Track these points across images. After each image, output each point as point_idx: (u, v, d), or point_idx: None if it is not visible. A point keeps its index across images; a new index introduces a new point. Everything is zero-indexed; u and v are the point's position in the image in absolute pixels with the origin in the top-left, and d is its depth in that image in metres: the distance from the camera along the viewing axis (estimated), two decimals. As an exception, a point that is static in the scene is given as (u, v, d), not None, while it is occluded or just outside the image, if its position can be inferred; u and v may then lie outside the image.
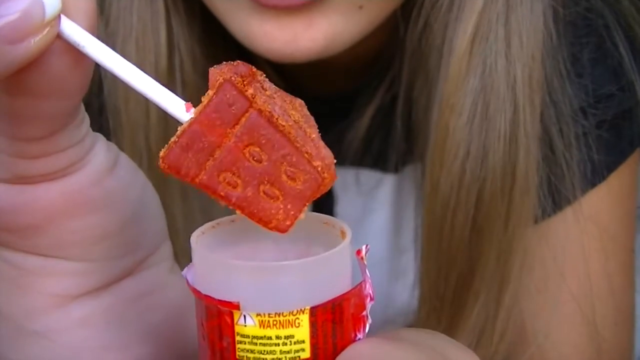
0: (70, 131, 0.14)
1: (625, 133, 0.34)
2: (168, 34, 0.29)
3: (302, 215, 0.12)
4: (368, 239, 0.34)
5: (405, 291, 0.34)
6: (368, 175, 0.36)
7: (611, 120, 0.34)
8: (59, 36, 0.12)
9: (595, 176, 0.34)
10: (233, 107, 0.11)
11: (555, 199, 0.33)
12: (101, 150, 0.15)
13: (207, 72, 0.23)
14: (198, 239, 0.13)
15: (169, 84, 0.28)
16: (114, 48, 0.22)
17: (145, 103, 0.21)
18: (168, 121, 0.28)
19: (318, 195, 0.12)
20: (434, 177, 0.30)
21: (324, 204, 0.35)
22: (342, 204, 0.35)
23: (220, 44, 0.31)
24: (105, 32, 0.30)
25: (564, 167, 0.33)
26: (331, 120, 0.27)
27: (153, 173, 0.20)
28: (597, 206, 0.34)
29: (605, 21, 0.33)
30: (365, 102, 0.33)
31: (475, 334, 0.19)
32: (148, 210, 0.17)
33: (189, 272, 0.13)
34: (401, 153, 0.35)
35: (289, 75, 0.31)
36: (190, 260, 0.13)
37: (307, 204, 0.12)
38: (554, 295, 0.34)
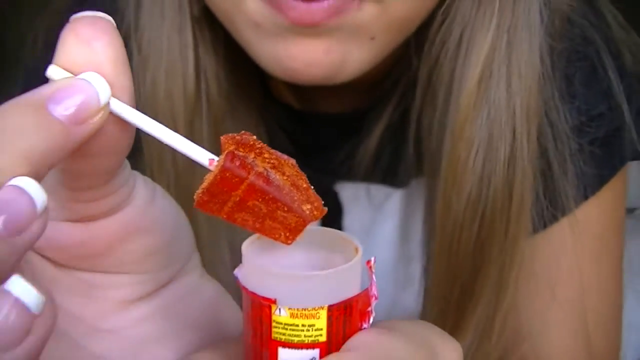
0: (118, 176, 0.18)
1: (615, 150, 0.37)
2: (195, 61, 0.32)
3: (299, 237, 0.17)
4: (376, 247, 0.38)
5: (410, 297, 0.38)
6: (378, 190, 0.39)
7: (602, 138, 0.37)
8: (110, 112, 0.16)
9: (588, 189, 0.37)
10: (236, 174, 0.16)
11: (552, 211, 0.36)
12: (141, 186, 0.19)
13: (230, 94, 0.25)
14: (248, 247, 0.17)
15: (196, 106, 0.32)
16: (145, 72, 0.25)
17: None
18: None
19: (307, 225, 0.17)
20: (447, 199, 0.33)
21: (333, 216, 0.38)
22: (352, 215, 0.38)
23: (242, 68, 0.35)
24: (138, 56, 0.33)
25: (560, 181, 0.36)
26: (343, 137, 0.30)
27: (179, 192, 0.23)
28: (590, 216, 0.38)
29: (597, 48, 0.36)
30: (374, 121, 0.36)
31: (477, 333, 0.22)
32: (181, 229, 0.21)
33: (239, 273, 0.17)
34: (409, 169, 0.38)
35: (304, 96, 0.34)
36: (224, 267, 0.19)
37: (299, 233, 0.17)
38: (548, 299, 0.38)
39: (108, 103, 0.16)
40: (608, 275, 0.41)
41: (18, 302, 0.13)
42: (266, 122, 0.35)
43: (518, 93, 0.33)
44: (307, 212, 0.16)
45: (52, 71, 0.16)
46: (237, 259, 0.20)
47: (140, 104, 0.26)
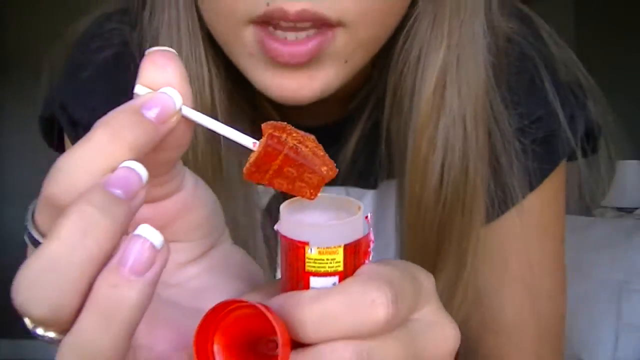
0: (176, 167, 0.24)
1: (553, 148, 0.44)
2: (209, 77, 0.40)
3: (319, 194, 0.23)
4: None
5: None
6: (354, 192, 0.45)
7: (542, 138, 0.44)
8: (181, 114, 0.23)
9: (532, 182, 0.44)
10: (276, 148, 0.22)
11: (502, 201, 0.43)
12: (188, 175, 0.25)
13: (234, 100, 0.37)
14: (284, 209, 0.23)
15: (212, 108, 0.39)
16: None
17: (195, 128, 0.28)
18: (212, 140, 0.38)
19: (326, 182, 0.22)
20: (413, 190, 0.40)
21: None
22: None
23: (238, 86, 0.41)
24: None
25: (508, 176, 0.43)
26: (323, 147, 0.33)
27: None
28: (534, 205, 0.44)
29: (534, 63, 0.43)
30: (350, 131, 0.43)
31: (442, 300, 0.25)
32: (216, 208, 0.27)
33: (279, 227, 0.23)
34: (381, 172, 0.45)
35: (285, 112, 0.40)
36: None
37: (320, 188, 0.22)
38: (502, 276, 0.46)
39: (180, 108, 0.22)
40: (551, 255, 0.47)
41: (147, 241, 0.19)
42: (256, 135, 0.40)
43: (468, 100, 0.39)
44: (325, 172, 0.22)
45: (138, 89, 0.22)
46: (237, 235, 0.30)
47: None
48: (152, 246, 0.19)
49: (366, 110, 0.42)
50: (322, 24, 0.34)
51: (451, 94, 0.39)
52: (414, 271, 0.24)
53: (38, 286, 0.19)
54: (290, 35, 0.34)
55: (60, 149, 0.48)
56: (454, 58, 0.39)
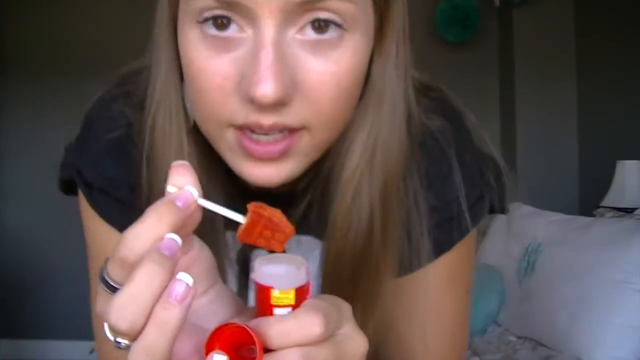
0: (190, 235, 0.37)
1: (457, 225, 0.54)
2: (195, 157, 0.49)
3: (283, 248, 0.36)
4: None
5: None
6: (306, 239, 0.55)
7: (449, 218, 0.54)
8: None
9: (438, 251, 0.54)
10: (257, 220, 0.35)
11: (415, 262, 0.53)
12: (196, 239, 0.38)
13: (212, 172, 0.50)
14: (256, 263, 0.34)
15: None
16: (156, 158, 0.49)
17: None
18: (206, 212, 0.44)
19: (287, 240, 0.36)
20: (330, 249, 0.50)
21: None
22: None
23: (216, 161, 0.49)
24: (150, 150, 0.50)
25: (420, 243, 0.53)
26: (282, 207, 0.42)
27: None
28: (442, 267, 0.55)
29: (449, 158, 0.53)
30: (301, 197, 0.53)
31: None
32: (213, 259, 0.39)
33: (252, 275, 0.34)
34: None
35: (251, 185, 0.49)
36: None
37: (285, 243, 0.36)
38: (411, 315, 0.56)
39: (196, 199, 0.36)
40: (455, 302, 0.58)
41: (183, 282, 0.32)
42: (229, 195, 0.51)
43: (378, 181, 0.48)
44: (288, 232, 0.36)
45: (169, 188, 0.35)
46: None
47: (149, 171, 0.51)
48: (187, 285, 0.32)
49: (311, 185, 0.52)
50: (289, 130, 0.43)
51: (366, 175, 0.48)
52: (338, 302, 0.36)
53: (123, 312, 0.31)
54: (263, 138, 0.43)
55: (73, 195, 0.60)
56: (371, 149, 0.48)
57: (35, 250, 3.24)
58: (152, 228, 0.33)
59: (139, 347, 0.31)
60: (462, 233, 0.54)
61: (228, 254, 0.54)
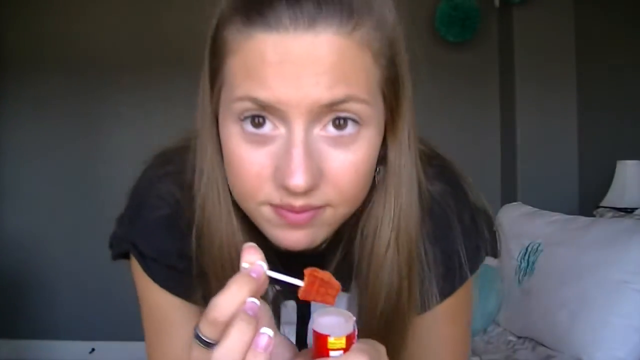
0: None
1: (459, 275, 0.64)
2: (237, 225, 0.58)
3: (334, 301, 0.47)
4: None
5: None
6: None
7: (451, 268, 0.64)
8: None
9: (443, 296, 0.64)
10: (313, 281, 0.46)
11: (423, 307, 0.63)
12: (261, 301, 0.47)
13: (252, 239, 0.54)
14: (316, 315, 0.46)
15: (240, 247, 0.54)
16: (210, 237, 0.58)
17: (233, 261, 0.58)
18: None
19: (337, 294, 0.47)
20: (371, 296, 0.59)
21: (307, 314, 0.71)
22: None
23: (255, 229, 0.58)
24: (206, 229, 0.58)
25: (429, 291, 0.62)
26: (313, 265, 0.51)
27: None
28: (446, 307, 0.65)
29: (449, 220, 0.63)
30: (331, 257, 0.62)
31: None
32: (270, 311, 0.50)
33: (313, 325, 0.45)
34: (349, 283, 0.63)
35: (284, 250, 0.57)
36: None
37: (335, 297, 0.46)
38: (424, 349, 0.66)
39: (266, 270, 0.45)
40: (457, 335, 0.69)
41: (266, 334, 0.43)
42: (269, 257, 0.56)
43: (404, 246, 0.58)
44: (337, 288, 0.46)
45: (244, 265, 0.45)
46: None
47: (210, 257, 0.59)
48: (269, 336, 0.43)
49: (339, 249, 0.61)
50: (315, 209, 0.52)
51: (393, 247, 0.57)
52: (376, 345, 0.48)
53: None
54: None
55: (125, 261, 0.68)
56: (396, 224, 0.57)
57: (35, 250, 3.24)
58: (236, 295, 0.43)
59: None
60: (463, 280, 0.65)
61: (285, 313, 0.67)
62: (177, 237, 0.61)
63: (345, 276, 0.59)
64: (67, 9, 3.27)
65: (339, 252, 0.61)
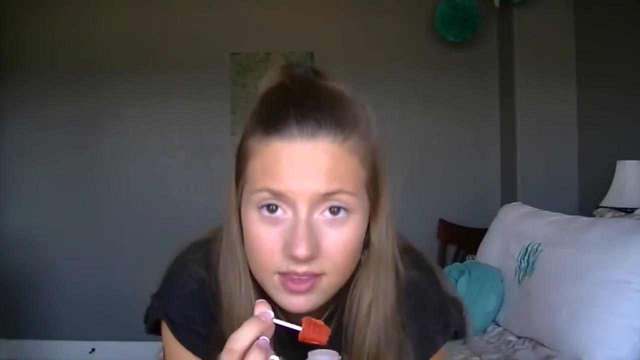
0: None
1: (433, 345, 0.79)
2: (253, 294, 0.72)
3: (327, 340, 0.62)
4: None
5: None
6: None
7: (426, 340, 0.77)
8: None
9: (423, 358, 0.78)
10: (310, 327, 0.62)
11: None
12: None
13: (264, 298, 0.69)
14: (310, 354, 0.61)
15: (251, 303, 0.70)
16: (228, 297, 0.74)
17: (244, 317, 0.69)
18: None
19: (328, 335, 0.63)
20: (356, 353, 0.72)
21: None
22: None
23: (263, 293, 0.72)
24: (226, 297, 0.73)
25: (408, 356, 0.74)
26: None
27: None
28: None
29: (424, 301, 0.78)
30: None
31: None
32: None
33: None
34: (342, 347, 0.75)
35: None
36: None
37: (328, 337, 0.62)
38: None
39: (273, 317, 0.61)
40: None
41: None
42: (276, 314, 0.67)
43: (382, 318, 0.72)
44: (329, 330, 0.62)
45: (256, 312, 0.61)
46: None
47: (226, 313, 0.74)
48: None
49: (333, 321, 0.75)
50: (314, 275, 0.66)
51: (374, 313, 0.72)
52: None
53: None
54: (297, 279, 0.65)
55: (156, 332, 0.81)
56: (375, 296, 0.72)
57: (35, 250, 3.24)
58: (249, 331, 0.58)
59: None
60: (435, 349, 0.79)
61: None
62: (201, 308, 0.76)
63: (338, 340, 0.72)
64: (68, 9, 3.27)
65: (334, 323, 0.75)
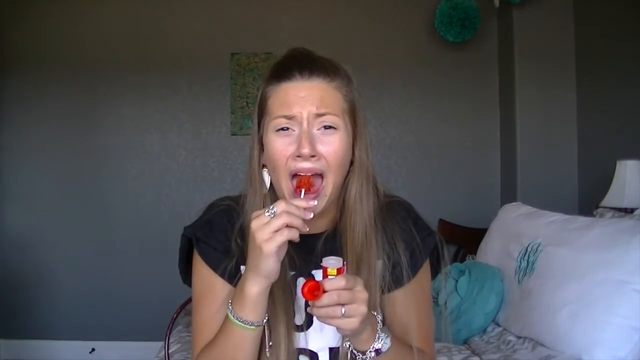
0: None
1: (421, 254, 0.99)
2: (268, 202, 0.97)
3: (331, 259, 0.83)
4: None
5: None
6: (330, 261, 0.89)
7: (412, 251, 0.97)
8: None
9: (413, 272, 0.97)
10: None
11: (396, 283, 0.96)
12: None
13: None
14: (324, 260, 0.81)
15: None
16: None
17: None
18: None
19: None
20: (350, 233, 0.96)
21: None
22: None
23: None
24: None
25: (401, 268, 0.96)
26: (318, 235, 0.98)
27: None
28: (413, 285, 0.97)
29: (405, 215, 1.00)
30: (326, 235, 0.99)
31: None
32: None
33: (323, 263, 0.81)
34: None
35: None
36: None
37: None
38: (407, 311, 0.97)
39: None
40: (422, 308, 1.00)
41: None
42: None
43: (368, 209, 0.96)
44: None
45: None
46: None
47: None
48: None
49: (336, 237, 0.98)
50: (315, 172, 0.89)
51: (359, 205, 0.96)
52: (356, 278, 0.81)
53: (277, 232, 0.79)
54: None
55: (187, 266, 1.03)
56: (360, 190, 0.96)
57: (35, 250, 3.24)
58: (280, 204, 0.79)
59: (280, 217, 0.78)
60: (423, 259, 0.99)
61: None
62: (223, 226, 0.98)
63: (334, 246, 0.96)
64: (68, 9, 3.27)
65: (334, 227, 0.99)
